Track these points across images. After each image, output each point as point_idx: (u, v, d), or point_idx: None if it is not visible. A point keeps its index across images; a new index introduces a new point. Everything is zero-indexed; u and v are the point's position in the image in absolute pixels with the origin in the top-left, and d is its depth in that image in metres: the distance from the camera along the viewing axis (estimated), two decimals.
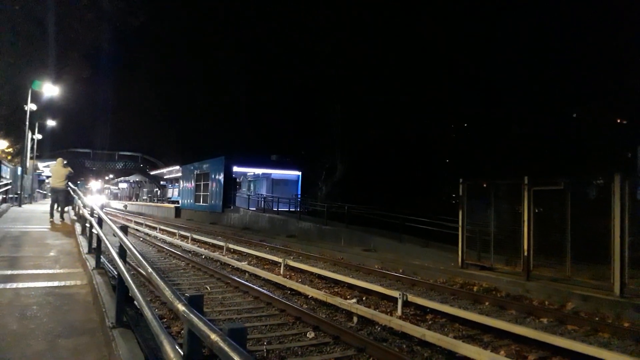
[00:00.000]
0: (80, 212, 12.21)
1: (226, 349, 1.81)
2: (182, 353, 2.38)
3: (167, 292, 2.63)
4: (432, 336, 6.21)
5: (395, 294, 8.32)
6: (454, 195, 27.77)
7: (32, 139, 34.54)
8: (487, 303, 8.93)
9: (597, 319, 7.80)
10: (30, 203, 29.62)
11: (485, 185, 11.87)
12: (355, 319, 7.44)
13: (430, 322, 7.61)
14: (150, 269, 3.19)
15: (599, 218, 9.02)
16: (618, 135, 27.69)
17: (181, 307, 2.40)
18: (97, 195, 71.28)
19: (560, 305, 8.67)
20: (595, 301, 8.36)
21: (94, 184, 79.10)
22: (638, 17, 27.23)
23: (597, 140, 26.95)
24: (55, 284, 6.44)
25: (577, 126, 31.05)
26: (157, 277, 2.97)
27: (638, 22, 27.41)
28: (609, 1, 28.90)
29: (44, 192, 44.88)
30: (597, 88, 28.81)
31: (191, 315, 2.28)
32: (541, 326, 7.44)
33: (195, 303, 2.46)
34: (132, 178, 77.82)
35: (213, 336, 1.95)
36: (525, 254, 10.07)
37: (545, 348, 6.15)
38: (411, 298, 8.23)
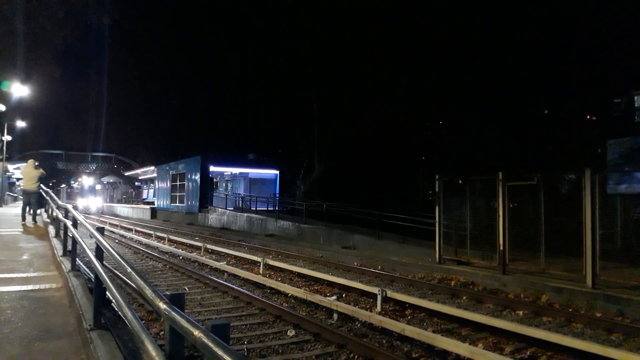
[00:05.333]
0: (54, 214, 11.95)
1: (210, 344, 1.81)
2: (164, 352, 2.36)
3: (148, 291, 2.61)
4: (411, 331, 6.28)
5: (374, 290, 8.39)
6: (430, 192, 28.11)
7: (2, 141, 33.59)
8: (464, 297, 9.07)
9: (570, 310, 8.00)
10: (1, 206, 28.88)
11: (461, 181, 12.04)
12: (335, 316, 7.47)
13: (409, 317, 7.70)
14: (129, 269, 3.16)
15: (571, 212, 9.24)
16: (589, 131, 28.39)
17: (163, 306, 2.39)
18: (92, 198, 57.99)
19: (535, 298, 8.87)
20: (569, 293, 8.58)
21: (87, 181, 63.76)
22: (607, 16, 27.96)
23: (570, 136, 27.58)
24: (30, 287, 6.30)
25: (549, 123, 31.71)
26: (137, 276, 2.94)
27: (607, 21, 28.14)
28: (580, 2, 29.60)
29: (15, 195, 43.75)
30: (568, 85, 29.46)
31: (173, 312, 2.27)
32: (517, 318, 7.60)
33: (176, 301, 2.45)
34: (105, 179, 76.18)
35: (196, 332, 1.94)
36: (501, 248, 10.26)
37: (521, 340, 6.29)
38: (390, 294, 8.32)
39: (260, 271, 11.87)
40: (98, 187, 65.54)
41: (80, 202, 53.05)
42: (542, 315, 7.75)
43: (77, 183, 67.57)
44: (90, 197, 57.72)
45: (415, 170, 34.02)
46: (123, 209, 49.98)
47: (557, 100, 30.84)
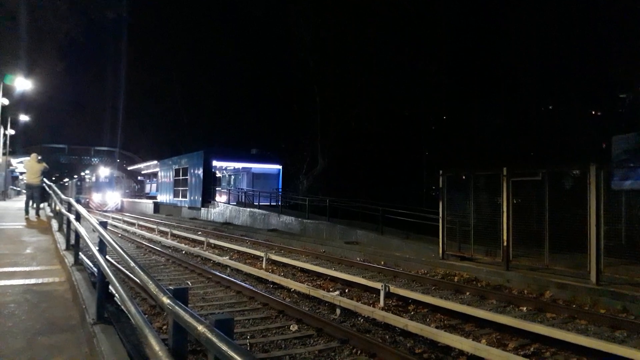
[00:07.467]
0: (57, 208, 11.97)
1: (214, 339, 1.79)
2: (167, 346, 2.35)
3: (152, 286, 2.59)
4: (414, 326, 6.27)
5: (377, 285, 8.36)
6: (434, 188, 28.04)
7: (5, 135, 33.69)
8: (468, 293, 9.04)
9: (574, 306, 7.97)
10: (4, 200, 28.97)
11: (464, 176, 11.97)
12: (338, 311, 7.46)
13: (412, 313, 7.68)
14: (132, 263, 3.14)
15: (576, 208, 9.18)
16: (594, 126, 28.24)
17: (166, 300, 2.37)
18: (109, 192, 48.95)
19: (539, 294, 8.84)
20: (573, 289, 8.54)
21: (103, 171, 51.87)
22: (613, 11, 27.76)
23: (574, 131, 27.45)
24: (33, 281, 6.30)
25: (554, 119, 31.59)
26: (140, 271, 2.92)
27: (613, 16, 27.94)
28: None
29: (18, 189, 43.89)
30: (572, 81, 29.30)
31: (177, 307, 2.25)
32: (521, 315, 7.57)
33: (180, 296, 2.44)
34: None
35: (200, 327, 1.92)
36: (505, 244, 10.21)
37: (525, 336, 6.26)
38: (393, 289, 8.29)
39: (263, 266, 11.86)
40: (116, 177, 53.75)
41: (96, 197, 47.98)
42: (546, 311, 7.72)
43: (90, 174, 58.63)
44: (107, 191, 49.22)
45: (419, 165, 33.94)
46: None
47: (561, 96, 30.69)
